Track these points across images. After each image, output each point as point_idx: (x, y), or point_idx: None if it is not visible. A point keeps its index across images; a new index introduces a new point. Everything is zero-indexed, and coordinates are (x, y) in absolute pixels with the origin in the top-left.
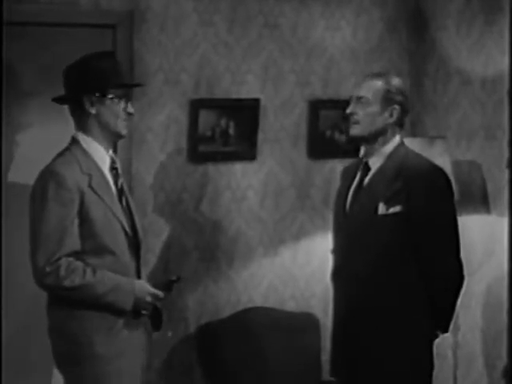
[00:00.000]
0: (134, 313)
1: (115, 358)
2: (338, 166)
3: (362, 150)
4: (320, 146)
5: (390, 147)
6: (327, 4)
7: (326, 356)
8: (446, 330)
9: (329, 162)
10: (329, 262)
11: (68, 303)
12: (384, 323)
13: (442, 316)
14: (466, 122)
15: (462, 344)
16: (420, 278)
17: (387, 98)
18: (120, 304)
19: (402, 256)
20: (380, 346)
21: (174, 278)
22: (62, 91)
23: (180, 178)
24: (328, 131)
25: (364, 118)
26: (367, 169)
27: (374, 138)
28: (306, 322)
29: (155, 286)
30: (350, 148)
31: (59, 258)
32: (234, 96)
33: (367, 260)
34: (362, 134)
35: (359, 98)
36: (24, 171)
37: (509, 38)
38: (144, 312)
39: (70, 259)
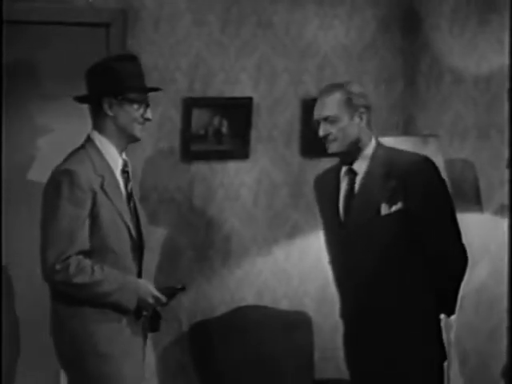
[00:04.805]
0: (136, 313)
1: (119, 357)
2: (330, 164)
3: (341, 157)
4: (313, 145)
5: (370, 149)
6: (320, 3)
7: (319, 355)
8: (452, 312)
9: (322, 161)
10: (322, 261)
11: (72, 302)
12: (397, 322)
13: (447, 298)
14: (459, 120)
15: (455, 343)
16: (425, 267)
17: (351, 106)
18: (124, 303)
19: (407, 249)
20: (393, 346)
21: (179, 286)
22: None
23: (173, 176)
24: None
25: (339, 134)
26: (353, 174)
27: (354, 145)
28: (299, 321)
29: (159, 290)
30: None
31: (69, 257)
32: (228, 95)
33: (376, 260)
34: (342, 149)
35: (326, 119)
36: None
37: (509, 37)
38: (145, 313)
39: (80, 257)
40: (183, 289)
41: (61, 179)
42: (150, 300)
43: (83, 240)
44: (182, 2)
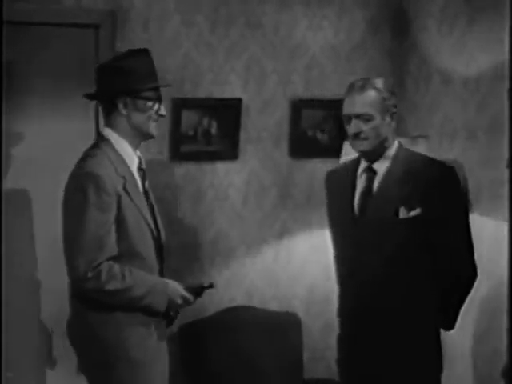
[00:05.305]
0: (164, 314)
1: (148, 362)
2: (319, 165)
3: (365, 155)
4: (302, 146)
5: (393, 149)
6: (309, 4)
7: (308, 355)
8: (451, 327)
9: (311, 162)
10: (311, 262)
11: (102, 307)
12: (396, 326)
13: (449, 311)
14: (448, 121)
15: (447, 344)
16: (433, 274)
17: (385, 106)
18: (155, 305)
19: (418, 254)
20: (390, 349)
21: (206, 284)
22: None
23: (162, 177)
24: (310, 130)
25: (371, 133)
26: (373, 173)
27: (381, 144)
28: (288, 321)
29: (186, 289)
30: (332, 147)
31: (100, 264)
32: (217, 96)
33: (385, 260)
34: (371, 147)
35: (359, 116)
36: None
37: (509, 35)
38: (172, 313)
39: (110, 263)
40: (211, 286)
41: (86, 184)
42: (179, 301)
43: (112, 245)
44: (171, 3)
